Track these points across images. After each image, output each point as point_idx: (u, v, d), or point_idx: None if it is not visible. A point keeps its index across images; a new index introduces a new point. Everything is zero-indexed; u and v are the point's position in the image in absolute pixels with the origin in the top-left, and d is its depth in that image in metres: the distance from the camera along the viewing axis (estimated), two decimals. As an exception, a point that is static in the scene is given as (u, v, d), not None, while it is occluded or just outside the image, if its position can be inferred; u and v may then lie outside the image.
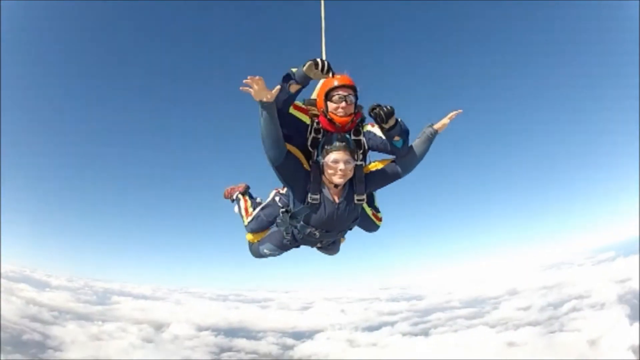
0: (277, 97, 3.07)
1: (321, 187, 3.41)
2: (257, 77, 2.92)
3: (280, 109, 3.19)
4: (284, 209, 3.62)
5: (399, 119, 3.35)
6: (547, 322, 63.38)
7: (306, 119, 3.58)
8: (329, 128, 3.53)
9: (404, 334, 71.27)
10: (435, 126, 3.56)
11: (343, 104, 3.42)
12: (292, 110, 3.47)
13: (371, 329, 76.48)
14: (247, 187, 4.62)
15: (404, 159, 3.54)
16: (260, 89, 2.96)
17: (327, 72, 3.11)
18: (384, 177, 3.58)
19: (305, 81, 3.20)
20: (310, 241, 3.79)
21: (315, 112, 3.61)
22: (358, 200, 3.51)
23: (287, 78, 3.19)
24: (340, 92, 3.42)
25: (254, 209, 4.24)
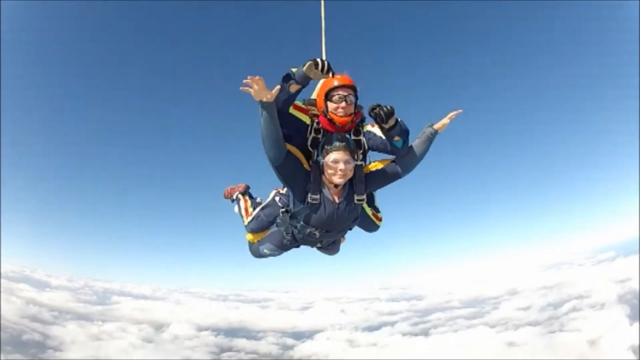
0: (277, 97, 3.07)
1: (321, 187, 3.40)
2: (257, 77, 2.92)
3: (280, 109, 3.18)
4: (284, 209, 3.61)
5: (399, 119, 3.35)
6: (547, 322, 63.39)
7: (306, 119, 3.58)
8: (329, 128, 3.53)
9: (404, 334, 71.30)
10: (435, 126, 3.56)
11: (343, 104, 3.41)
12: (292, 110, 3.47)
13: (371, 329, 76.52)
14: (247, 187, 4.62)
15: (404, 159, 3.53)
16: (260, 89, 2.96)
17: (327, 72, 3.10)
18: (384, 177, 3.58)
19: (305, 81, 3.20)
20: (310, 241, 3.79)
21: (315, 112, 3.60)
22: (358, 200, 3.50)
23: (287, 78, 3.19)
24: (340, 92, 3.42)
25: (254, 209, 4.24)
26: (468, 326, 70.07)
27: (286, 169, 3.32)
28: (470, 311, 79.57)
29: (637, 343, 46.39)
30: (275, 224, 3.92)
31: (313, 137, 3.57)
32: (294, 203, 3.50)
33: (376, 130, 3.59)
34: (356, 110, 3.53)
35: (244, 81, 2.93)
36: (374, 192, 4.04)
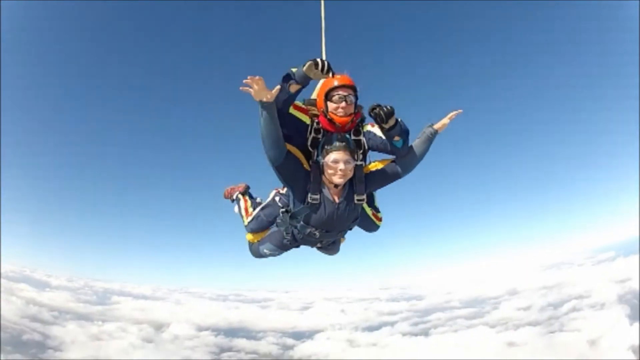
0: (277, 97, 3.07)
1: (321, 187, 3.40)
2: (257, 77, 2.92)
3: (280, 109, 3.19)
4: (284, 209, 3.61)
5: (399, 119, 3.34)
6: (547, 322, 63.38)
7: (306, 119, 3.58)
8: (329, 128, 3.53)
9: (404, 334, 71.29)
10: (435, 126, 3.55)
11: (343, 104, 3.41)
12: (292, 110, 3.47)
13: (371, 329, 76.51)
14: (247, 187, 4.62)
15: (404, 159, 3.53)
16: (260, 89, 2.96)
17: (327, 72, 3.11)
18: (384, 177, 3.58)
19: (305, 81, 3.20)
20: (310, 241, 3.79)
21: (315, 112, 3.60)
22: (358, 200, 3.50)
23: (287, 78, 3.19)
24: (340, 92, 3.42)
25: (254, 209, 4.24)
26: (468, 326, 70.08)
27: (286, 169, 3.31)
28: (470, 311, 79.58)
29: (637, 343, 46.39)
30: (275, 224, 3.92)
31: (313, 137, 3.56)
32: (294, 203, 3.50)
33: (376, 130, 3.58)
34: (356, 110, 3.53)
35: (244, 81, 2.93)
36: (373, 192, 4.04)
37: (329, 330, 75.51)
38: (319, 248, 4.00)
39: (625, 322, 52.67)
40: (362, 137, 3.65)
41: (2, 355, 45.90)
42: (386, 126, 3.30)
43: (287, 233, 3.75)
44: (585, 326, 56.81)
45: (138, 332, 66.55)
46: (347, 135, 3.48)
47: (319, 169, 3.37)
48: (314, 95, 3.83)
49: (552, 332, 58.83)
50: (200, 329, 73.71)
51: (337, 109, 3.43)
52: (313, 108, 3.63)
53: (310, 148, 3.57)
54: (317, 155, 3.42)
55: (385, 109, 3.21)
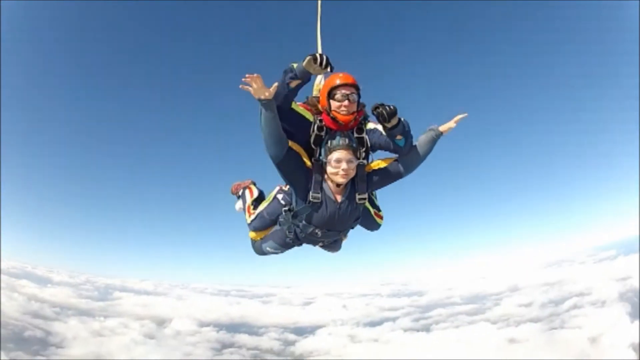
0: (277, 93, 3.06)
1: (323, 185, 3.39)
2: (255, 75, 2.92)
3: (280, 105, 3.18)
4: (286, 208, 3.61)
5: (402, 118, 3.33)
6: (548, 319, 63.60)
7: (309, 116, 3.57)
8: (332, 126, 3.51)
9: (405, 330, 71.64)
10: (441, 128, 3.51)
11: (346, 102, 3.39)
12: (295, 106, 3.47)
13: (373, 324, 76.91)
14: (254, 184, 4.62)
15: (407, 158, 3.51)
16: (259, 87, 2.95)
17: (326, 66, 3.11)
18: (387, 176, 3.56)
19: (305, 76, 3.20)
20: (312, 240, 3.78)
21: (319, 109, 3.59)
22: (360, 199, 3.49)
23: (287, 73, 3.19)
24: (343, 91, 3.39)
25: (256, 207, 4.23)
26: (469, 322, 70.37)
27: (287, 166, 3.31)
28: (471, 307, 79.89)
29: (638, 341, 46.52)
30: (278, 223, 3.93)
31: (316, 135, 3.55)
32: (296, 201, 3.49)
33: (380, 127, 3.57)
34: (359, 109, 3.52)
35: (243, 79, 2.93)
36: (374, 192, 4.03)
37: (330, 326, 75.92)
38: (321, 246, 4.00)
39: (626, 320, 52.80)
40: (364, 135, 3.63)
41: (3, 353, 45.90)
42: (389, 125, 3.28)
43: (289, 232, 3.74)
44: (586, 323, 56.97)
45: (140, 328, 66.99)
46: (350, 134, 3.46)
47: (321, 167, 3.36)
48: (314, 92, 3.79)
49: (553, 329, 59.07)
50: (202, 324, 74.20)
51: (340, 107, 3.40)
52: (316, 105, 3.62)
53: (312, 145, 3.55)
54: (320, 154, 3.41)
55: (388, 108, 3.19)
